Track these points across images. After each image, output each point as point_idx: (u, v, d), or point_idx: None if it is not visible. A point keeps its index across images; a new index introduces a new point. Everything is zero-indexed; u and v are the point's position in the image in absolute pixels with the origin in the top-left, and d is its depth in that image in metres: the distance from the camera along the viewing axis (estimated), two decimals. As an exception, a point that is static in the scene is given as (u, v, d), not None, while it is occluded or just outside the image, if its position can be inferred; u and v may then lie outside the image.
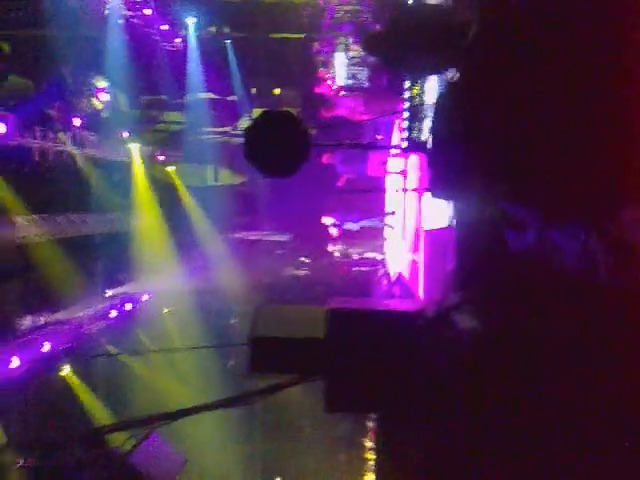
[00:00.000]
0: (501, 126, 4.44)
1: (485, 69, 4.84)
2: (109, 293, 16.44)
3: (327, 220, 13.77)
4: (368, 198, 13.47)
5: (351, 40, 12.95)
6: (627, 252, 3.67)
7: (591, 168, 3.70)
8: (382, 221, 12.65)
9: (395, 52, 5.88)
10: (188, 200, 18.83)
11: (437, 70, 6.30)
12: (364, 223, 13.18)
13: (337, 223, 13.38)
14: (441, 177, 4.80)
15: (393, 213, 11.50)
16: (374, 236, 13.21)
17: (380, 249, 13.08)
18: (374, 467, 11.50)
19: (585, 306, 3.86)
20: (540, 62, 4.15)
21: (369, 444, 12.19)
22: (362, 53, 12.44)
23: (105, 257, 16.55)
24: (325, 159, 13.75)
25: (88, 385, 14.94)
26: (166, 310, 18.06)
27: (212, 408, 6.09)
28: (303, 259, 16.45)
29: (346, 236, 14.13)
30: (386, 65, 8.17)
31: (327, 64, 13.99)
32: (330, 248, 14.30)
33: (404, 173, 9.92)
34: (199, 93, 19.03)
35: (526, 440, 4.07)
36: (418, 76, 7.59)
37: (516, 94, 4.29)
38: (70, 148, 14.08)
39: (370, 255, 13.12)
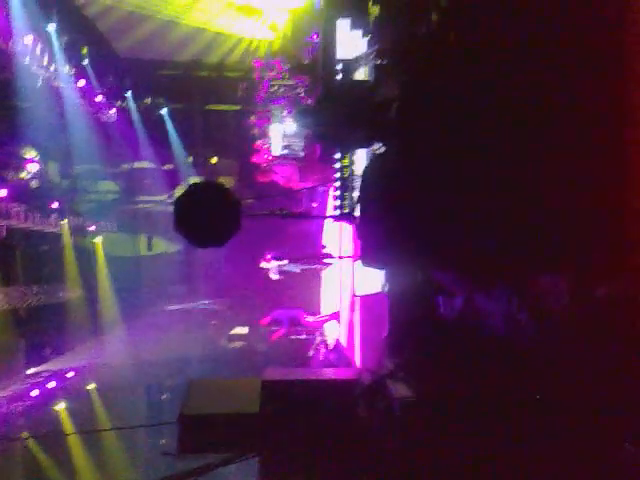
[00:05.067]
0: (424, 198, 4.59)
1: (407, 144, 5.07)
2: (32, 370, 15.42)
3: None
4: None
5: (285, 113, 13.37)
6: (546, 314, 3.83)
7: (510, 239, 3.88)
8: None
9: (323, 126, 6.10)
10: (105, 273, 18.20)
11: (363, 144, 6.55)
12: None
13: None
14: (369, 247, 4.88)
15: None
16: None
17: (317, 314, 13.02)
18: None
19: (510, 366, 3.96)
20: (456, 137, 4.40)
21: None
22: (296, 125, 12.84)
23: (30, 332, 15.63)
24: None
25: (4, 470, 13.72)
26: (92, 386, 17.05)
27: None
28: (239, 330, 16.07)
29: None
30: (316, 138, 8.45)
31: (263, 135, 14.32)
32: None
33: None
34: (134, 162, 18.96)
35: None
36: (347, 149, 7.86)
37: (436, 168, 4.49)
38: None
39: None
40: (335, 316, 11.00)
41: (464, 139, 4.37)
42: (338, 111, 6.02)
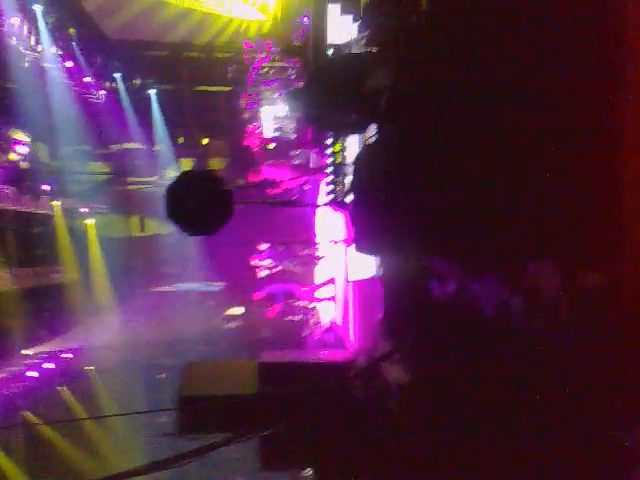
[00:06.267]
0: (417, 185, 4.68)
1: (399, 131, 5.13)
2: (27, 352, 15.52)
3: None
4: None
5: (276, 95, 13.34)
6: (537, 299, 3.96)
7: (504, 225, 3.98)
8: None
9: (314, 109, 6.09)
10: (98, 255, 18.24)
11: (354, 129, 6.57)
12: None
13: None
14: (362, 234, 4.99)
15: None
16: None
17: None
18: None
19: (502, 349, 4.10)
20: (449, 125, 4.46)
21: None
22: (287, 108, 12.83)
23: (24, 314, 15.70)
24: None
25: (5, 452, 13.93)
26: (90, 367, 17.22)
27: (142, 473, 5.85)
28: (234, 310, 16.24)
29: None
30: (308, 121, 8.45)
31: (254, 117, 14.27)
32: None
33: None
34: (124, 143, 18.83)
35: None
36: (339, 133, 7.90)
37: (429, 156, 4.56)
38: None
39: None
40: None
41: (457, 127, 4.43)
42: (329, 95, 6.01)
